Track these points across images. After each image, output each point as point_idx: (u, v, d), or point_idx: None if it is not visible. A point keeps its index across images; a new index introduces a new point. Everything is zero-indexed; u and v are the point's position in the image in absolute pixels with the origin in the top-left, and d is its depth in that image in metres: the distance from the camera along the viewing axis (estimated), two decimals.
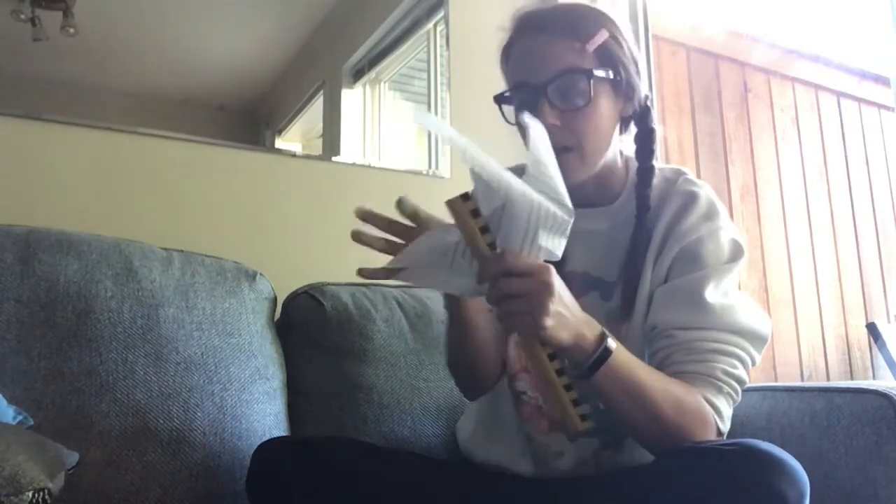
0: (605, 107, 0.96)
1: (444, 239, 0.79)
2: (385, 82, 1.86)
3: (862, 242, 3.07)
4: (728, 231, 0.98)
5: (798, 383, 2.52)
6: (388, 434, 1.25)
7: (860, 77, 3.20)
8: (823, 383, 2.30)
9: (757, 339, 0.95)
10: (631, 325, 0.99)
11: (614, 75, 0.95)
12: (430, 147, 1.83)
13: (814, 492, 0.82)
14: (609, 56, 0.95)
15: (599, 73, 0.94)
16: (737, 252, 0.98)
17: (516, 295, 0.77)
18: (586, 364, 0.83)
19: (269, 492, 0.96)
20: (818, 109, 3.09)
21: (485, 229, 0.76)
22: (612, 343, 0.84)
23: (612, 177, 1.03)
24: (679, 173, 1.04)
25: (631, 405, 0.86)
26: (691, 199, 0.99)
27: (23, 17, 1.39)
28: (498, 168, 0.74)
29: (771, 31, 2.96)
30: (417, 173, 1.77)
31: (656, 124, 1.02)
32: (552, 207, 0.75)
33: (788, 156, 2.94)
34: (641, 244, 0.99)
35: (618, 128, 1.00)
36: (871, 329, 2.92)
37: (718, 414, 0.90)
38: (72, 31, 1.43)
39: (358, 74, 1.81)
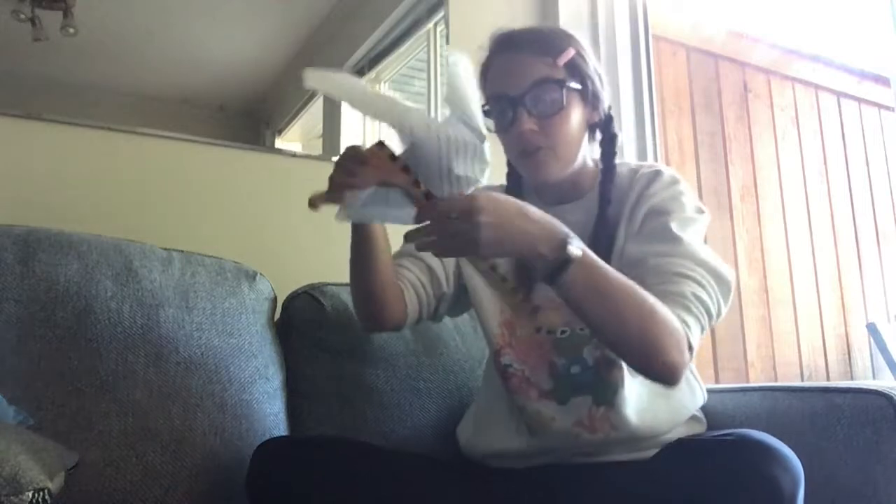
0: (576, 113, 1.06)
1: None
2: (385, 82, 1.86)
3: (862, 242, 3.07)
4: (689, 196, 1.08)
5: (798, 383, 2.53)
6: (388, 434, 1.25)
7: (860, 77, 3.20)
8: (823, 383, 2.30)
9: (720, 280, 0.99)
10: None
11: (582, 86, 1.06)
12: None
13: (814, 492, 0.83)
14: (577, 70, 1.06)
15: (570, 83, 1.04)
16: (699, 209, 1.07)
17: (452, 234, 0.84)
18: (545, 272, 0.87)
19: (269, 492, 0.96)
20: (818, 109, 3.09)
21: (406, 169, 0.82)
22: (573, 251, 0.86)
23: (582, 176, 1.12)
24: (641, 164, 1.15)
25: (600, 310, 0.89)
26: (656, 174, 1.10)
27: (23, 17, 1.39)
28: (401, 109, 0.81)
29: (771, 31, 2.97)
30: None
31: (618, 130, 1.14)
32: (461, 135, 0.81)
33: (788, 156, 2.94)
34: (604, 233, 1.07)
35: (586, 135, 1.11)
36: (871, 329, 2.92)
37: (689, 329, 0.92)
38: (72, 31, 1.43)
39: (358, 74, 1.81)
